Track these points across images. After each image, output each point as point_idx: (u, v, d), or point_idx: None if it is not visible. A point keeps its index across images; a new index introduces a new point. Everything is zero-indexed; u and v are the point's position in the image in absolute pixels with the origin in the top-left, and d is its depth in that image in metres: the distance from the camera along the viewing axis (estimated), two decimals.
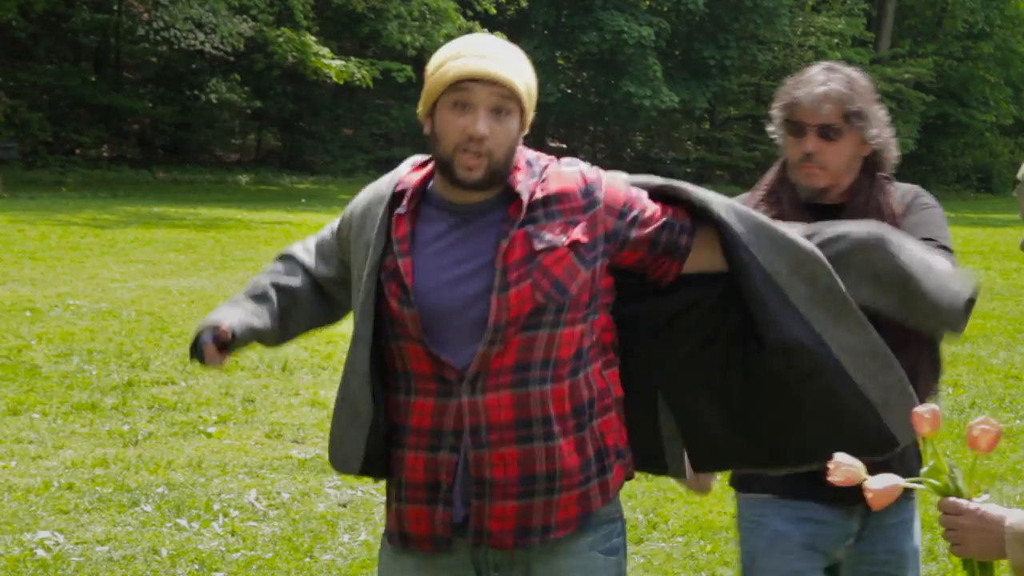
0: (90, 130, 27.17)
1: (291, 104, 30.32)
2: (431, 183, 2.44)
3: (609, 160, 37.95)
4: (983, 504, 2.05)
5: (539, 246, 2.33)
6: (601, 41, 32.91)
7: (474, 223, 2.38)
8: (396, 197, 2.43)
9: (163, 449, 6.11)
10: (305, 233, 16.85)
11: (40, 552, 4.71)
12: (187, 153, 29.75)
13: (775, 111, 2.87)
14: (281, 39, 24.45)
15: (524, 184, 2.37)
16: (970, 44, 40.78)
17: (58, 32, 27.14)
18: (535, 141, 37.89)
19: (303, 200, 22.65)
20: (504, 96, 2.31)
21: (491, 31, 26.76)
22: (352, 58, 26.21)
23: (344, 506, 5.40)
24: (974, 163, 43.25)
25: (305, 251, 2.65)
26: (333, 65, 24.90)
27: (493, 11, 28.94)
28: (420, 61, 28.03)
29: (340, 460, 2.52)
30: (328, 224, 2.63)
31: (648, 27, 33.04)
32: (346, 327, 7.57)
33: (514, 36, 30.49)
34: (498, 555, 2.40)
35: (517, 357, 2.33)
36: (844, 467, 2.04)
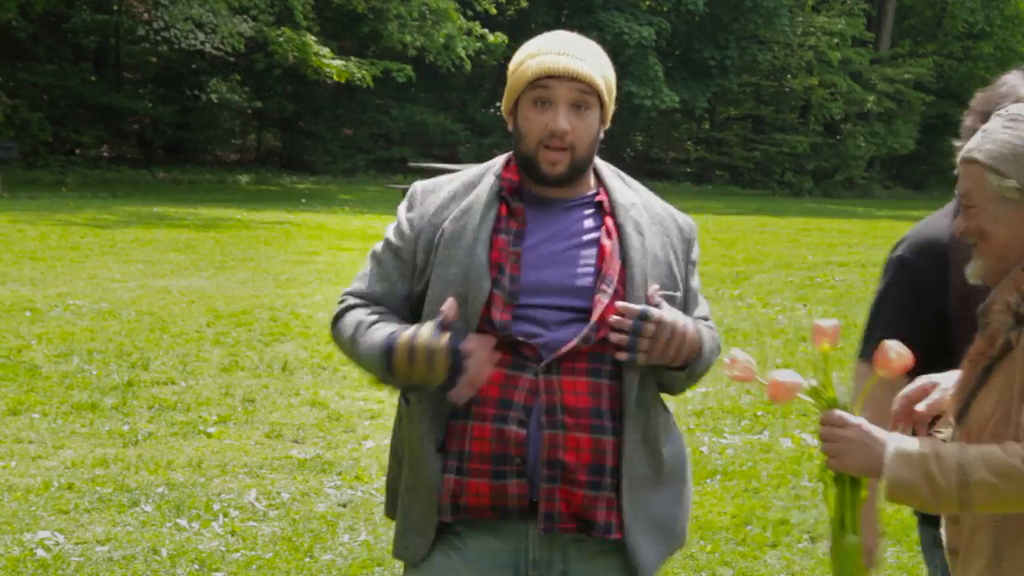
0: (90, 130, 27.18)
1: (291, 104, 30.32)
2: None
3: (609, 160, 37.89)
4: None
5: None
6: (602, 42, 32.71)
7: (566, 215, 2.43)
8: (495, 191, 2.45)
9: (163, 449, 6.11)
10: (305, 233, 16.89)
11: (40, 552, 4.71)
12: (187, 153, 29.77)
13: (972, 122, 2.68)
14: (281, 39, 24.45)
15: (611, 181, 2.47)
16: (970, 44, 40.78)
17: (58, 32, 27.14)
18: None
19: (303, 200, 22.65)
20: (584, 91, 2.36)
21: (492, 31, 26.79)
22: (352, 58, 26.21)
23: (344, 506, 5.40)
24: None
25: (368, 298, 2.52)
26: (334, 65, 24.90)
27: (493, 11, 28.93)
28: (420, 61, 28.10)
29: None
30: (373, 257, 2.52)
31: (648, 27, 33.06)
32: None
33: (514, 36, 30.49)
34: (543, 551, 2.39)
35: (593, 347, 2.35)
36: (741, 362, 2.11)
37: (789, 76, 38.02)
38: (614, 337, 2.27)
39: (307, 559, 4.80)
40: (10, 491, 5.38)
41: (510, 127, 2.46)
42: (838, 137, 38.47)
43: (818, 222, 23.02)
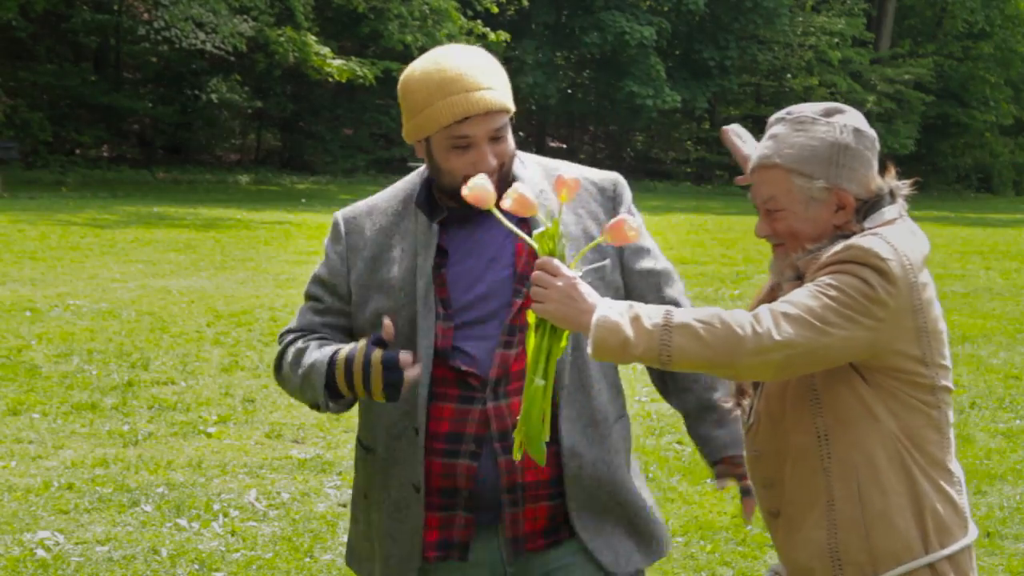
0: (90, 130, 27.19)
1: (291, 104, 30.33)
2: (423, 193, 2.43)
3: (609, 160, 37.92)
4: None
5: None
6: (603, 42, 32.92)
7: (484, 224, 2.36)
8: (415, 209, 2.42)
9: (163, 449, 6.11)
10: (305, 233, 16.86)
11: (40, 552, 4.71)
12: (187, 153, 29.78)
13: None
14: (282, 39, 24.45)
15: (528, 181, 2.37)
16: (970, 44, 40.78)
17: (58, 32, 27.16)
18: (536, 141, 37.89)
19: (303, 200, 22.65)
20: (499, 121, 2.29)
21: (493, 30, 26.79)
22: (353, 58, 26.22)
23: (344, 506, 5.39)
24: (974, 163, 43.26)
25: (312, 305, 2.53)
26: (334, 64, 24.91)
27: (495, 10, 28.93)
28: None
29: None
30: (307, 295, 2.54)
31: (649, 27, 33.06)
32: None
33: (515, 36, 30.51)
34: (517, 567, 2.38)
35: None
36: (477, 186, 2.09)
37: (789, 76, 38.03)
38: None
39: (307, 559, 4.79)
40: (10, 491, 5.38)
41: (419, 154, 2.40)
42: None
43: None
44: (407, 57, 27.64)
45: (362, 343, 2.28)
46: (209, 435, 6.38)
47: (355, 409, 2.51)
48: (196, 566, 4.66)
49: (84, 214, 17.33)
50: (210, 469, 5.80)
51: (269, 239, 15.41)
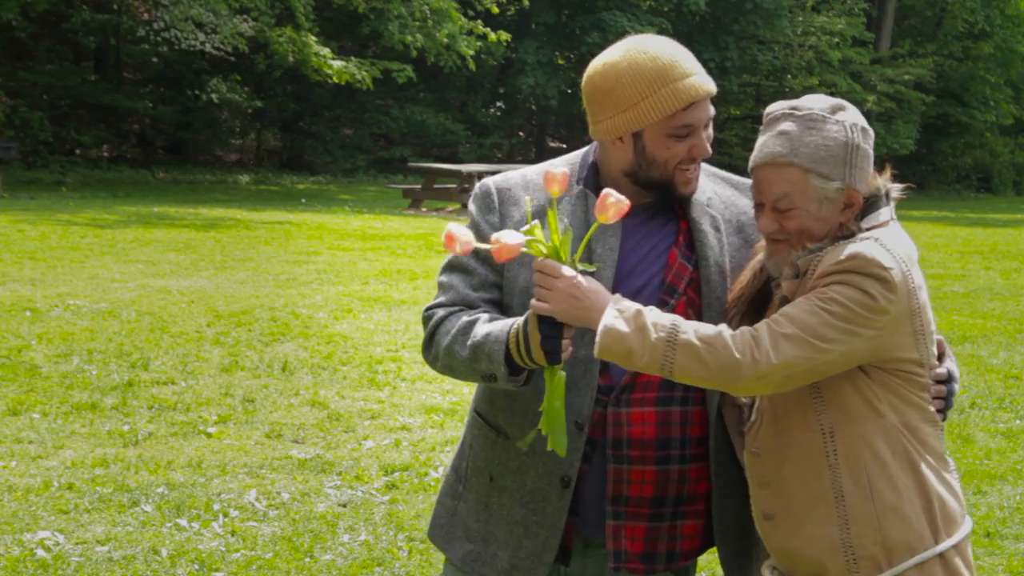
0: (90, 130, 27.18)
1: (291, 104, 30.33)
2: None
3: None
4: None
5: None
6: (605, 42, 32.81)
7: (645, 222, 2.34)
8: (583, 190, 2.37)
9: (163, 449, 6.10)
10: (305, 233, 16.88)
11: (40, 552, 4.71)
12: (187, 153, 29.77)
13: None
14: (282, 39, 24.44)
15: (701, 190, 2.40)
16: (970, 44, 40.76)
17: (58, 32, 27.15)
18: (536, 142, 37.91)
19: (303, 200, 22.65)
20: (711, 107, 2.34)
21: (493, 30, 26.77)
22: (352, 58, 26.21)
23: (344, 506, 5.40)
24: (974, 163, 43.24)
25: (463, 304, 2.39)
26: (334, 66, 24.90)
27: (495, 11, 28.92)
28: (420, 61, 28.09)
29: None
30: (454, 267, 2.40)
31: (650, 27, 33.05)
32: (345, 327, 7.60)
33: (515, 36, 30.50)
34: None
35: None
36: (460, 239, 2.12)
37: (789, 76, 38.02)
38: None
39: (307, 559, 4.79)
40: (10, 491, 5.38)
41: (611, 149, 2.31)
42: None
43: None
44: (407, 57, 27.71)
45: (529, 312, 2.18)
46: (209, 435, 6.37)
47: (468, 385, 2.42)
48: (196, 566, 4.66)
49: (84, 214, 17.33)
50: (210, 469, 5.80)
51: (269, 239, 15.41)
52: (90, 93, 26.79)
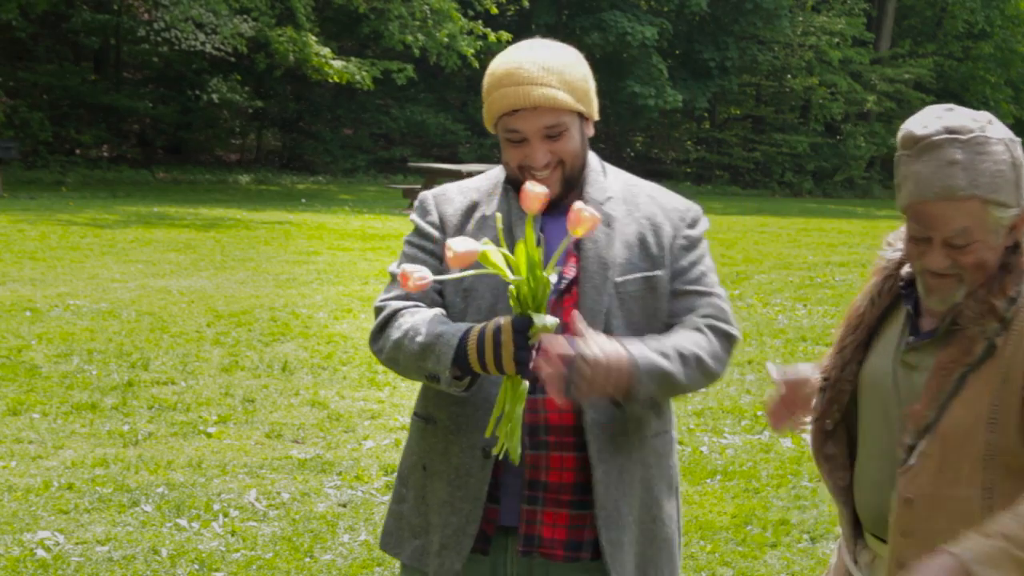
0: (90, 130, 27.17)
1: (291, 104, 30.32)
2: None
3: (609, 160, 37.83)
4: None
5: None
6: (605, 42, 32.91)
7: (556, 223, 2.35)
8: (505, 188, 2.42)
9: (163, 449, 6.10)
10: (305, 233, 16.88)
11: (40, 552, 4.71)
12: (187, 153, 29.76)
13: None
14: (283, 39, 24.45)
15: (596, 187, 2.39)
16: (970, 44, 40.78)
17: (58, 32, 27.15)
18: None
19: (303, 200, 22.65)
20: (552, 120, 2.27)
21: (493, 31, 26.77)
22: (353, 58, 26.21)
23: (344, 506, 5.40)
24: None
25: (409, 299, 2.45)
26: (334, 66, 24.91)
27: (495, 11, 28.92)
28: (421, 61, 28.10)
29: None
30: (407, 249, 2.48)
31: (651, 27, 33.06)
32: (345, 327, 7.61)
33: (516, 37, 30.48)
34: (522, 570, 2.35)
35: None
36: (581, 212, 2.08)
37: (789, 76, 38.02)
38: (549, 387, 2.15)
39: (307, 559, 4.79)
40: (10, 491, 5.38)
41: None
42: (838, 137, 38.48)
43: (818, 222, 23.02)
44: (407, 57, 27.71)
45: (503, 320, 2.20)
46: (209, 435, 6.38)
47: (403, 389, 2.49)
48: (196, 566, 4.66)
49: (84, 214, 17.33)
50: (210, 469, 5.80)
51: (269, 239, 15.41)
52: (90, 93, 26.79)
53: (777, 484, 5.87)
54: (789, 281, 13.52)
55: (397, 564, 4.74)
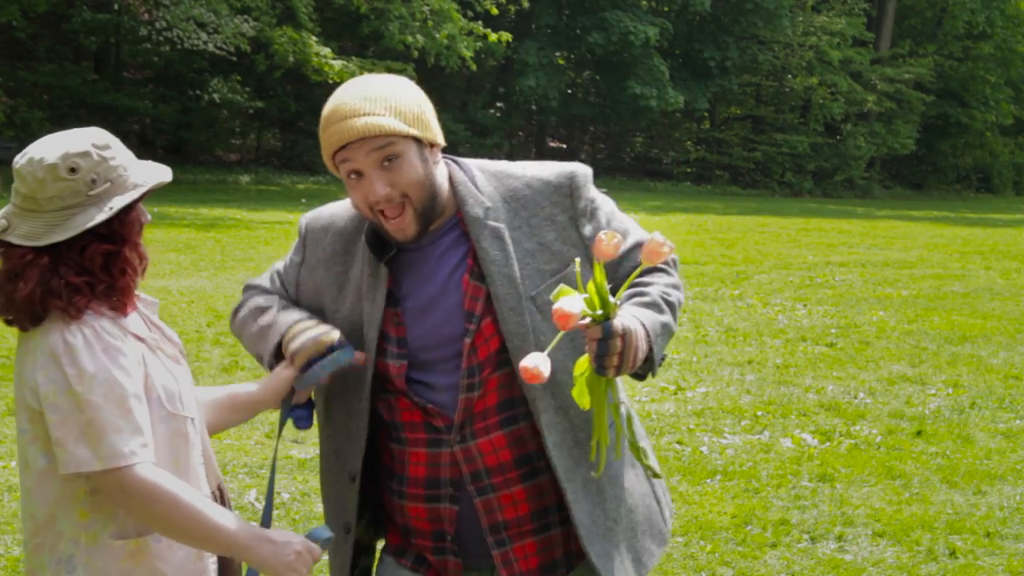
0: None
1: (292, 104, 30.32)
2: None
3: (609, 160, 37.91)
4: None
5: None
6: (607, 42, 32.91)
7: (435, 251, 2.29)
8: (364, 245, 2.33)
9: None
10: None
11: None
12: (187, 153, 29.77)
13: None
14: (283, 39, 24.45)
15: (470, 202, 2.29)
16: (970, 44, 40.80)
17: (58, 32, 27.15)
18: (535, 142, 37.88)
19: (303, 200, 22.65)
20: (383, 147, 2.18)
21: (494, 31, 26.78)
22: (354, 58, 26.21)
23: None
24: (974, 163, 43.28)
25: (271, 282, 2.51)
26: (335, 65, 24.91)
27: (495, 11, 28.92)
28: (421, 61, 28.10)
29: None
30: (279, 263, 2.53)
31: (651, 27, 33.06)
32: None
33: (516, 37, 30.48)
34: None
35: (499, 396, 2.27)
36: (532, 367, 2.02)
37: (789, 76, 38.03)
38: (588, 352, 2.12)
39: None
40: (10, 491, 5.37)
41: None
42: (838, 137, 38.49)
43: (818, 222, 23.02)
44: (408, 58, 27.71)
45: (326, 340, 2.27)
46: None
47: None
48: None
49: None
50: None
51: (269, 239, 15.41)
52: (90, 93, 26.79)
53: (777, 484, 5.87)
54: (789, 281, 13.52)
55: None
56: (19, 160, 2.12)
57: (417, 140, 2.21)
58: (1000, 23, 40.85)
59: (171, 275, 11.92)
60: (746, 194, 34.68)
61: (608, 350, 2.06)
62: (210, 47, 23.56)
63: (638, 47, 32.93)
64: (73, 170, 2.10)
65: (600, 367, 2.08)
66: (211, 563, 2.27)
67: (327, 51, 25.18)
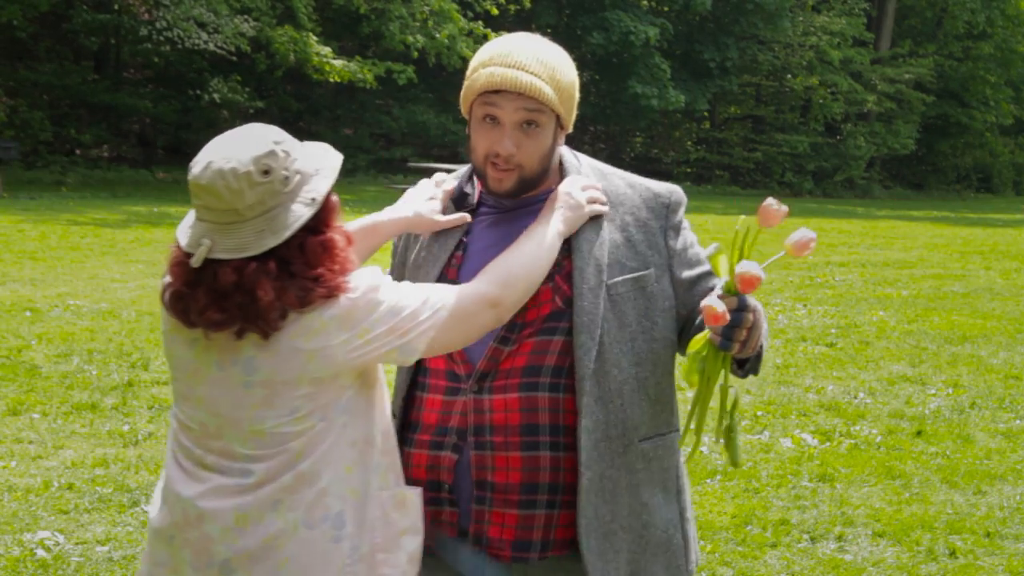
0: (90, 130, 27.19)
1: (292, 104, 30.32)
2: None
3: (609, 160, 37.86)
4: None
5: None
6: (608, 42, 32.91)
7: (518, 219, 2.35)
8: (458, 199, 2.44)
9: (163, 449, 6.09)
10: None
11: (40, 552, 4.71)
12: (187, 153, 29.70)
13: None
14: (284, 39, 24.45)
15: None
16: (970, 44, 40.79)
17: (59, 32, 27.15)
18: None
19: None
20: (533, 109, 2.23)
21: (495, 31, 26.78)
22: (357, 57, 26.22)
23: None
24: (974, 163, 43.28)
25: None
26: (335, 65, 24.91)
27: (495, 12, 28.92)
28: (421, 62, 28.09)
29: None
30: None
31: (652, 27, 33.06)
32: None
33: None
34: (497, 571, 2.32)
35: (529, 360, 2.27)
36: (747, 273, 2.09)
37: (789, 76, 38.03)
38: (712, 328, 2.14)
39: None
40: (10, 491, 5.37)
41: (468, 130, 2.39)
42: (838, 137, 38.49)
43: (818, 222, 23.02)
44: (407, 58, 27.70)
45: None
46: None
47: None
48: None
49: (85, 214, 17.33)
50: None
51: None
52: (90, 93, 26.79)
53: (777, 484, 5.87)
54: (789, 281, 13.52)
55: None
56: (202, 175, 2.05)
57: (558, 117, 2.28)
58: (1000, 23, 40.85)
59: None
60: (746, 194, 34.68)
61: (741, 322, 2.10)
62: (210, 47, 23.56)
63: (638, 47, 32.93)
64: (266, 172, 2.06)
65: (727, 340, 2.11)
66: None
67: (327, 51, 25.19)
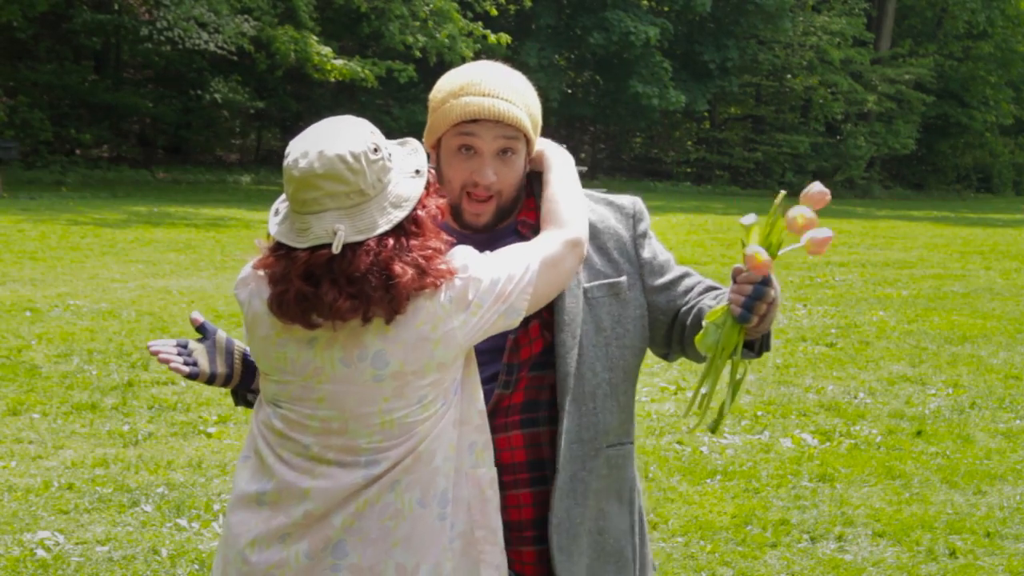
0: (91, 130, 27.19)
1: (292, 104, 30.31)
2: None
3: (609, 160, 37.91)
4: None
5: None
6: (608, 42, 32.90)
7: (491, 246, 2.29)
8: None
9: (163, 449, 6.10)
10: None
11: (40, 552, 4.71)
12: (187, 153, 29.78)
13: None
14: (284, 38, 24.45)
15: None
16: (970, 44, 40.79)
17: (59, 32, 27.16)
18: None
19: None
20: (510, 137, 2.23)
21: (494, 31, 26.78)
22: (357, 56, 26.23)
23: None
24: (974, 163, 43.29)
25: None
26: (335, 64, 24.92)
27: (494, 12, 28.92)
28: (422, 61, 28.10)
29: None
30: None
31: (652, 27, 33.06)
32: None
33: (517, 38, 30.48)
34: None
35: (526, 396, 2.28)
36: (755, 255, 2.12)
37: (789, 76, 38.04)
38: (732, 300, 2.16)
39: None
40: (10, 491, 5.38)
41: (431, 162, 2.32)
42: (838, 137, 38.48)
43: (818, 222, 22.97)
44: (408, 58, 27.70)
45: None
46: (209, 435, 6.37)
47: None
48: (196, 566, 4.66)
49: (85, 214, 17.33)
50: (210, 469, 5.80)
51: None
52: (90, 92, 26.80)
53: (777, 484, 5.87)
54: (789, 281, 13.51)
55: None
56: (317, 163, 2.11)
57: (527, 144, 2.29)
58: (1000, 23, 40.84)
59: (171, 275, 11.92)
60: (746, 194, 34.67)
61: (763, 295, 2.13)
62: (211, 47, 23.56)
63: (639, 47, 32.93)
64: (376, 149, 2.13)
65: (747, 312, 2.14)
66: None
67: (327, 50, 25.19)
